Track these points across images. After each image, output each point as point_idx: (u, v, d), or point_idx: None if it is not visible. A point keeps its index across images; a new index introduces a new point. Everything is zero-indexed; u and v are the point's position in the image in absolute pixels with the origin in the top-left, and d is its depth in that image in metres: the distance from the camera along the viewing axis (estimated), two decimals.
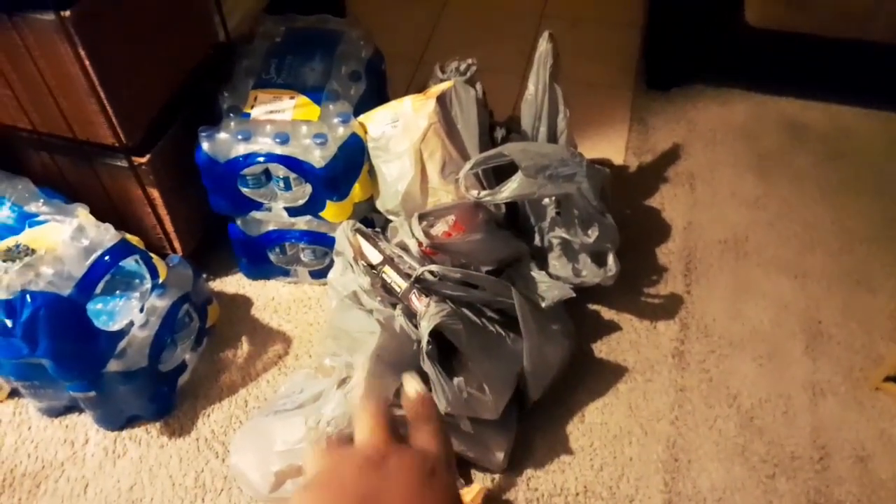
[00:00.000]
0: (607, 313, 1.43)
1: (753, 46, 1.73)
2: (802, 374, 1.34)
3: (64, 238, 1.13)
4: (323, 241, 1.40)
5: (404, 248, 1.20)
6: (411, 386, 0.42)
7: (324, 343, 1.25)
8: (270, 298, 1.48)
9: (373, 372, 1.02)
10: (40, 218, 1.19)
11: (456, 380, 1.07)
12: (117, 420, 1.29)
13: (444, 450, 0.39)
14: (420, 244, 1.15)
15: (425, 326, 1.05)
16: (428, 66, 1.90)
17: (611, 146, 1.74)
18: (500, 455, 1.18)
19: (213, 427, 1.29)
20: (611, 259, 1.30)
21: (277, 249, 1.42)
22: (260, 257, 1.45)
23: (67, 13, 1.06)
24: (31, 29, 1.10)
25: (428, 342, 1.05)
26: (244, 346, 1.41)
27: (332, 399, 1.03)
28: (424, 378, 1.07)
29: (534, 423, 1.26)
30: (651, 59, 1.88)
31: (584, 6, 2.10)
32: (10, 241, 1.16)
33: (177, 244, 1.43)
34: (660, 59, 1.85)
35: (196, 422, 1.29)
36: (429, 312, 1.07)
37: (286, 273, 1.48)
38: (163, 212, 1.36)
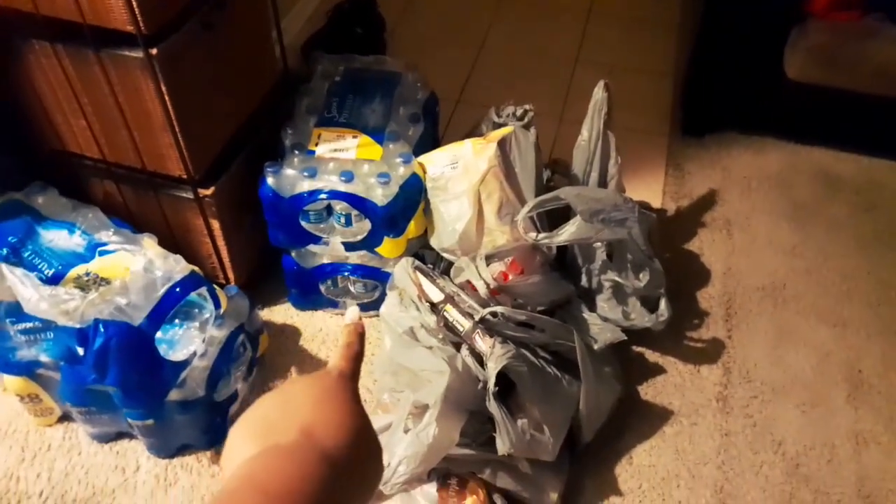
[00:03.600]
0: (651, 356, 1.45)
1: (791, 98, 1.78)
2: (845, 423, 1.36)
3: (136, 269, 1.15)
4: (374, 275, 1.42)
5: (464, 287, 1.23)
6: (353, 314, 0.49)
7: (381, 379, 1.27)
8: (318, 329, 1.50)
9: (443, 412, 1.04)
10: (110, 247, 1.21)
11: (520, 422, 1.09)
12: (169, 448, 1.30)
13: (353, 366, 0.46)
14: (487, 286, 1.18)
15: (492, 368, 1.08)
16: (466, 106, 1.95)
17: (648, 190, 1.78)
18: (555, 496, 1.19)
19: None
20: (663, 304, 1.32)
21: (329, 282, 1.45)
22: (311, 289, 1.47)
23: (155, 51, 1.09)
24: (116, 64, 1.13)
25: (494, 383, 1.07)
26: (293, 377, 1.42)
27: (403, 440, 1.05)
28: (489, 418, 1.09)
29: (583, 465, 1.28)
30: (688, 107, 1.92)
31: (618, 54, 2.16)
32: (80, 269, 1.18)
33: (230, 274, 1.45)
34: (697, 106, 1.89)
35: None
36: (495, 353, 1.09)
37: (335, 305, 1.50)
38: (221, 242, 1.38)
